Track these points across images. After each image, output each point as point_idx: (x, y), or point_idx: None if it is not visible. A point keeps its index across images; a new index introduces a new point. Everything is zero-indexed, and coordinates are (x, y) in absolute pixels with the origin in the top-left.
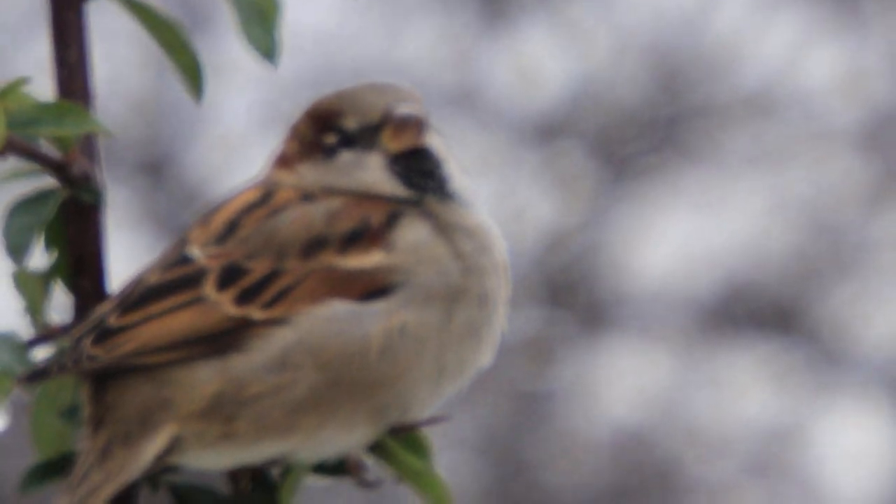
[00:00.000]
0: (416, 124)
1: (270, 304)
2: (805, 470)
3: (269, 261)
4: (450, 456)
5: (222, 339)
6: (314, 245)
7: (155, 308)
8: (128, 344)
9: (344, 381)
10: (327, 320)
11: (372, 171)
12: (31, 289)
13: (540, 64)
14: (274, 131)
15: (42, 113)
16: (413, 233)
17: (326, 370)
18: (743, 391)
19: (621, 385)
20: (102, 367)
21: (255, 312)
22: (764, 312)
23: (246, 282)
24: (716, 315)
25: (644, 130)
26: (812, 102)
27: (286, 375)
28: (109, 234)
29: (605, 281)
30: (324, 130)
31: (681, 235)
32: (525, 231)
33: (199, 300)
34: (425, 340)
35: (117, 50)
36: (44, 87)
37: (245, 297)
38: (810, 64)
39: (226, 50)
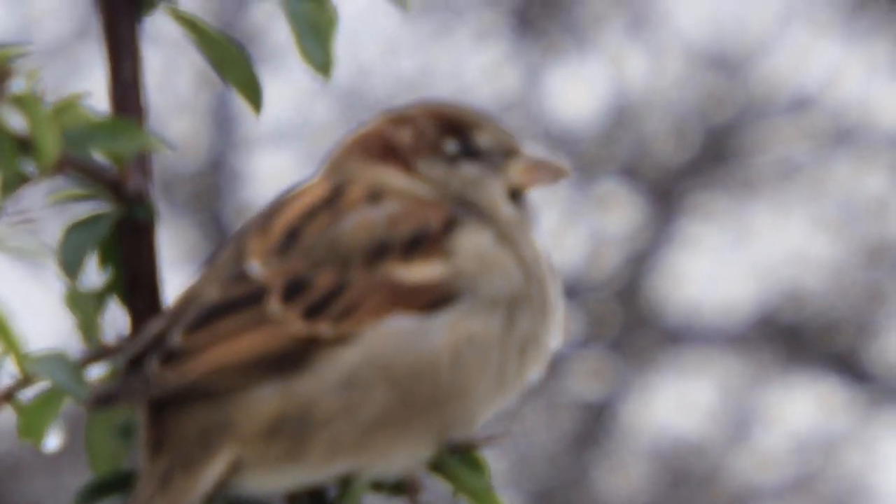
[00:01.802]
0: (549, 170)
1: (337, 321)
2: (850, 483)
3: (332, 272)
4: (498, 470)
5: (290, 359)
6: (378, 252)
7: (220, 328)
8: (196, 367)
9: (415, 397)
10: (395, 335)
11: (493, 193)
12: (85, 307)
13: (583, 89)
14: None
15: (97, 130)
16: (475, 238)
17: (397, 387)
18: (788, 408)
19: (669, 402)
20: (171, 392)
21: (323, 330)
22: (809, 330)
23: (310, 297)
24: (762, 332)
25: (687, 154)
26: (856, 120)
27: (356, 395)
28: (164, 259)
29: (652, 300)
30: (448, 135)
31: (726, 255)
32: (567, 254)
33: (264, 320)
34: (490, 350)
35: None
36: (99, 104)
37: (311, 314)
38: (853, 83)
39: (275, 68)
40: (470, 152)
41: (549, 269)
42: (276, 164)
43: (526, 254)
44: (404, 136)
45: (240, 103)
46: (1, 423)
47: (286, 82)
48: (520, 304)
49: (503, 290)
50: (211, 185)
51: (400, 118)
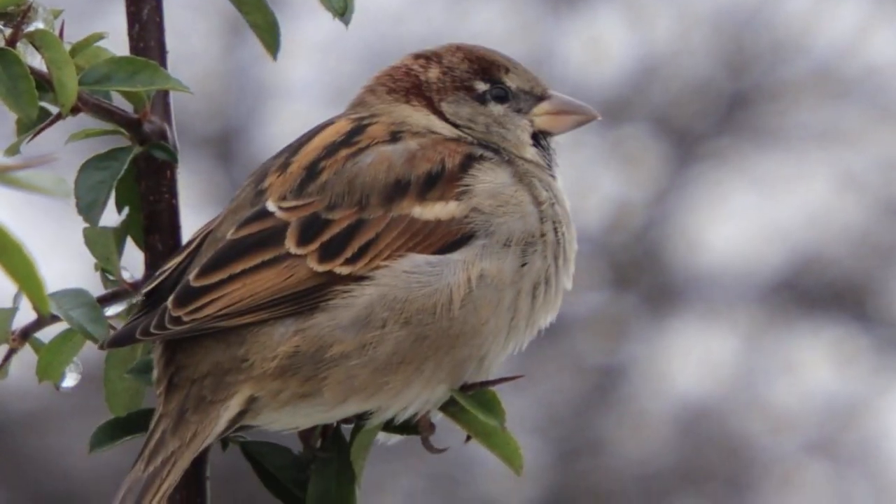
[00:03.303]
0: (577, 114)
1: (354, 260)
2: (871, 446)
3: (350, 210)
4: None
5: (307, 297)
6: (395, 189)
7: (237, 266)
8: (211, 306)
9: (429, 336)
10: (409, 274)
11: (518, 132)
12: (103, 245)
13: (606, 43)
14: (339, 109)
15: (115, 69)
16: (492, 177)
17: (411, 325)
18: (809, 368)
19: (688, 362)
20: (187, 330)
21: (340, 268)
22: (830, 291)
23: (328, 234)
24: (782, 293)
25: (710, 109)
26: (881, 80)
27: (371, 333)
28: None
29: (672, 259)
30: (479, 76)
31: (747, 214)
32: (590, 209)
33: (282, 258)
34: (503, 288)
35: (185, 23)
36: (119, 47)
37: (328, 252)
38: (879, 42)
39: (292, 27)
40: (499, 94)
41: (565, 213)
42: (295, 112)
43: (543, 195)
44: (431, 75)
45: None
46: (20, 382)
47: (309, 41)
48: (534, 245)
49: (517, 230)
50: (227, 129)
51: (428, 57)
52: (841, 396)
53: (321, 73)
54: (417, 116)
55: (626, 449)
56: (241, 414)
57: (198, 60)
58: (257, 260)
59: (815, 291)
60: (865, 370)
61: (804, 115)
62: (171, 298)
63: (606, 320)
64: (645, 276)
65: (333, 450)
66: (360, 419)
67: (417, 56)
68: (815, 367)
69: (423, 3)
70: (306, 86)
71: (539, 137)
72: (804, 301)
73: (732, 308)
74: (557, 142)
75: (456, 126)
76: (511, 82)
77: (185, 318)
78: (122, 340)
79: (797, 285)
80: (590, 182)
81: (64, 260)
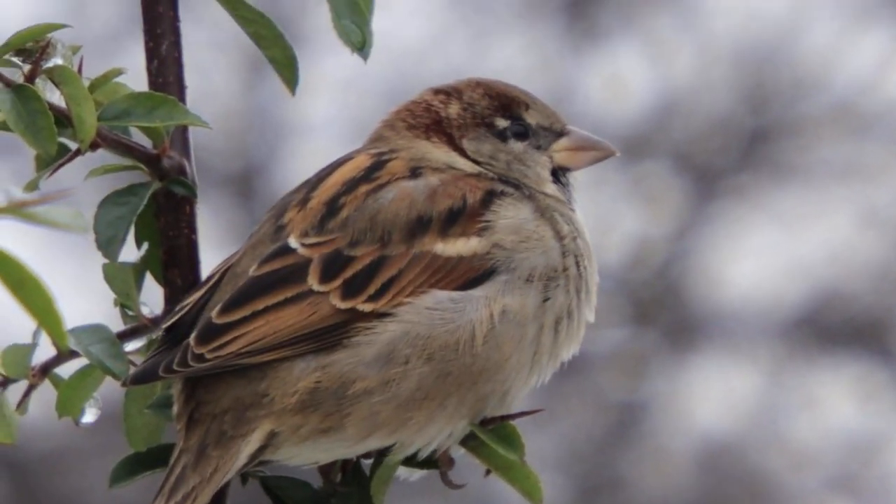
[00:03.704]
0: (596, 150)
1: (377, 297)
2: (893, 482)
3: (373, 247)
4: (544, 453)
5: (329, 334)
6: (417, 226)
7: (259, 304)
8: (234, 343)
9: (452, 372)
10: (432, 311)
11: (538, 169)
12: (122, 281)
13: (626, 79)
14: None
15: (133, 105)
16: (514, 212)
17: (434, 362)
18: (831, 404)
19: (709, 398)
20: (209, 368)
21: (363, 305)
22: (851, 328)
23: (350, 271)
24: (803, 329)
25: (731, 145)
26: None
27: (395, 370)
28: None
29: (693, 296)
30: (499, 112)
31: (768, 250)
32: (611, 246)
33: (304, 294)
34: (525, 323)
35: (205, 61)
36: (138, 82)
37: (351, 289)
38: None
39: (312, 65)
40: (518, 130)
41: (587, 245)
42: (315, 149)
43: (565, 229)
44: (452, 111)
45: (277, 93)
46: (40, 421)
47: (329, 78)
48: (556, 279)
49: (540, 265)
50: (247, 167)
51: (448, 92)
52: (862, 432)
53: (342, 109)
54: (437, 153)
55: (648, 485)
56: (262, 449)
57: (218, 98)
58: (280, 297)
59: (836, 327)
60: (887, 406)
61: (825, 151)
62: (193, 336)
63: (627, 357)
64: (666, 313)
65: (353, 484)
66: (380, 454)
67: (437, 91)
68: (836, 403)
69: (444, 40)
70: (327, 123)
71: (558, 173)
72: (825, 337)
73: (753, 344)
74: (576, 177)
75: (477, 163)
76: (531, 119)
77: (208, 356)
78: (144, 378)
79: (818, 321)
80: (611, 219)
81: (87, 300)
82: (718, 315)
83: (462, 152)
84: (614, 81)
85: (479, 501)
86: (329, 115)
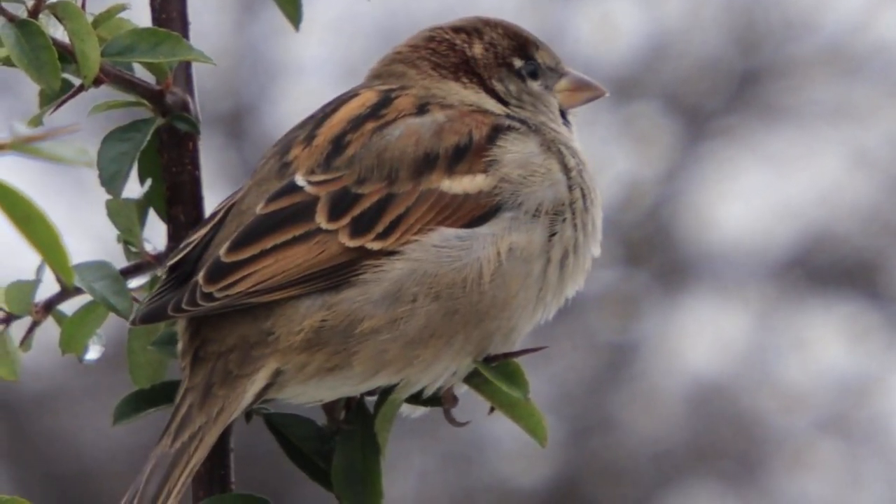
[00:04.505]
0: (589, 90)
1: (385, 235)
2: (883, 423)
3: (380, 184)
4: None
5: (337, 273)
6: (424, 163)
7: (268, 242)
8: (244, 282)
9: (459, 310)
10: (439, 249)
11: (552, 108)
12: (126, 217)
13: (617, 20)
14: (351, 86)
15: (137, 41)
16: (520, 146)
17: (441, 299)
18: (821, 345)
19: (700, 339)
20: (219, 307)
21: (371, 243)
22: (842, 268)
23: (358, 209)
24: (793, 270)
25: (721, 87)
26: (891, 57)
27: (402, 308)
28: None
29: (684, 237)
30: (516, 53)
31: (759, 191)
32: (602, 187)
33: (313, 233)
34: (532, 260)
35: (194, 1)
36: (141, 18)
37: (360, 227)
38: (890, 19)
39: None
40: (532, 70)
41: (592, 179)
42: (306, 89)
43: (571, 162)
44: (476, 51)
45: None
46: (32, 362)
47: (320, 19)
48: (563, 213)
49: (548, 198)
50: (238, 106)
51: (468, 31)
52: (852, 373)
53: (332, 50)
54: (467, 94)
55: (639, 426)
56: (267, 387)
57: (208, 38)
58: (288, 235)
59: (826, 269)
60: (877, 347)
61: (815, 93)
62: (201, 274)
63: (618, 298)
64: (656, 254)
65: (358, 422)
66: (384, 392)
67: (456, 30)
68: (826, 345)
69: None
70: (318, 63)
71: (564, 113)
72: (815, 278)
73: (744, 286)
74: (576, 116)
75: (506, 104)
76: (540, 59)
77: (218, 295)
78: (153, 317)
79: (808, 262)
80: (601, 160)
81: (76, 241)
82: (709, 256)
83: (493, 93)
84: (604, 22)
85: (471, 445)
86: (320, 55)
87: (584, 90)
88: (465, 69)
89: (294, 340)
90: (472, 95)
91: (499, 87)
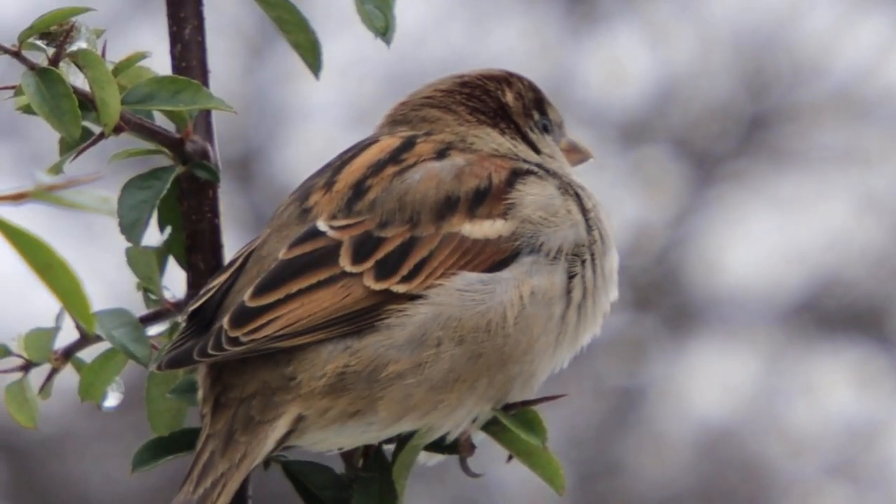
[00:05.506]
0: (580, 152)
1: (410, 277)
2: (891, 468)
3: (403, 227)
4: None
5: (362, 317)
6: (445, 206)
7: (293, 286)
8: (269, 326)
9: (483, 354)
10: (463, 293)
11: (562, 160)
12: (145, 265)
13: (626, 64)
14: (360, 130)
15: (157, 89)
16: (539, 189)
17: (465, 344)
18: (829, 390)
19: (708, 384)
20: (245, 351)
21: (396, 286)
22: (850, 313)
23: (382, 252)
24: (802, 315)
25: (730, 131)
26: None
27: (427, 352)
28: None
29: (692, 281)
30: (536, 106)
31: (767, 236)
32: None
33: (337, 277)
34: (553, 304)
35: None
36: (161, 66)
37: (384, 270)
38: None
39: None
40: (546, 125)
41: (608, 221)
42: (314, 134)
43: (588, 203)
44: (509, 98)
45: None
46: (42, 406)
47: (329, 63)
48: (582, 255)
49: (569, 239)
50: (246, 151)
51: (498, 79)
52: (861, 418)
53: (341, 94)
54: (503, 141)
55: (646, 471)
56: (289, 433)
57: (217, 81)
58: (313, 279)
59: (834, 313)
60: (885, 392)
61: (824, 137)
62: (226, 319)
63: (626, 342)
64: (665, 298)
65: (376, 469)
66: (403, 440)
67: (488, 77)
68: (834, 389)
69: (444, 24)
70: (326, 107)
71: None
72: (824, 323)
73: (752, 330)
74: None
75: (539, 153)
76: (551, 115)
77: (243, 339)
78: (178, 362)
79: (817, 307)
80: (610, 204)
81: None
82: (717, 300)
83: (528, 141)
84: (614, 66)
85: (480, 489)
86: (328, 99)
87: (576, 153)
88: (503, 115)
89: (316, 386)
90: (507, 142)
91: (532, 136)
